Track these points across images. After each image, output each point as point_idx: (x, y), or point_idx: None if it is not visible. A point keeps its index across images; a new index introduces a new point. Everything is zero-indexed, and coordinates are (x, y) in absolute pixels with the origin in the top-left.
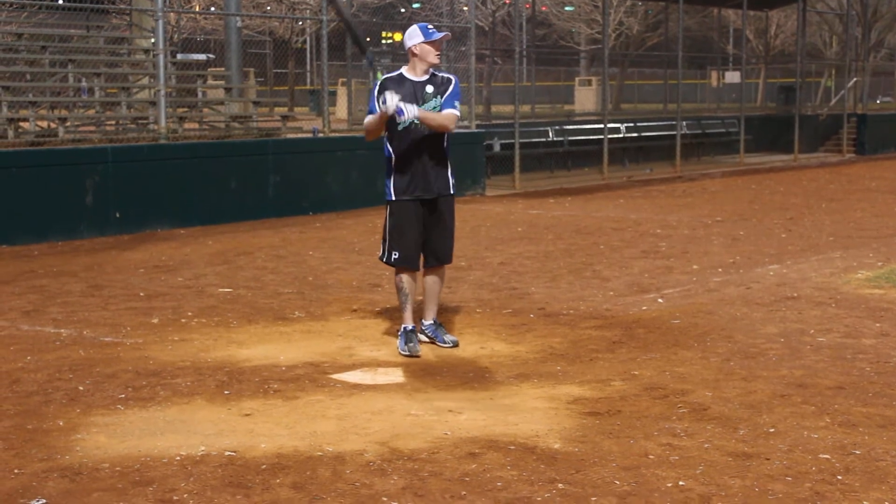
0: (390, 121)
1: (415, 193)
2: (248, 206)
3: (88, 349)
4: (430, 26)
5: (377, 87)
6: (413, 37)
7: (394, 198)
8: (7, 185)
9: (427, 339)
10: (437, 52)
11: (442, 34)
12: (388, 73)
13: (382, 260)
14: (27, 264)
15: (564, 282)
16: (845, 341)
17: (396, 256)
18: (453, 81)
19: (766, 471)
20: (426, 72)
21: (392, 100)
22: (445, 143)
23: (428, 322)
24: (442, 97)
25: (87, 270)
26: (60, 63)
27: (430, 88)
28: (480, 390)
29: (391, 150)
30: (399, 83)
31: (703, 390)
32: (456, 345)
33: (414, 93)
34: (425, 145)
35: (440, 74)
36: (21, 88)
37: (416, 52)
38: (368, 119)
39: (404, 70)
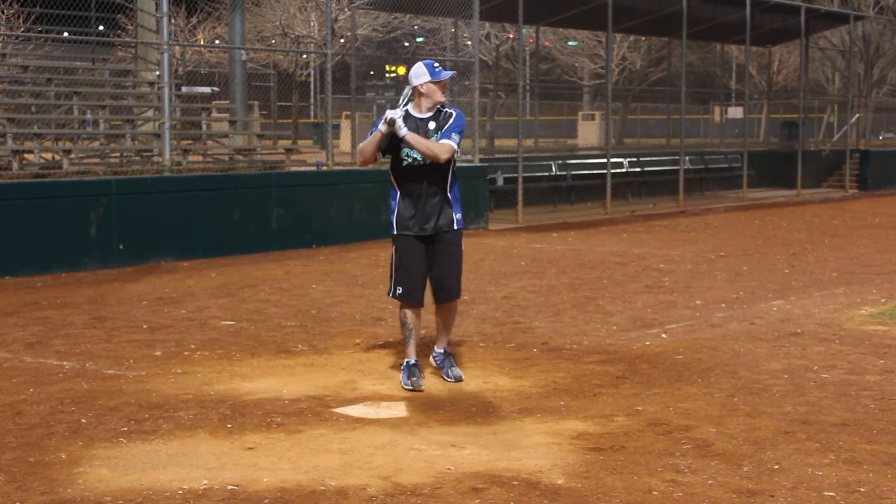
0: (394, 157)
1: (414, 229)
2: (251, 239)
3: (91, 381)
4: (436, 64)
5: (381, 119)
6: (419, 75)
7: (395, 232)
8: (11, 217)
9: (435, 366)
10: (444, 91)
11: (449, 73)
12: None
13: (388, 294)
14: (31, 296)
15: (568, 316)
16: (849, 378)
17: (399, 292)
18: (455, 115)
19: None
20: (431, 109)
21: (393, 113)
22: (449, 180)
23: (438, 350)
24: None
25: (90, 302)
26: (65, 95)
27: (432, 125)
28: (484, 425)
29: (395, 185)
30: (404, 120)
31: (707, 426)
32: (459, 380)
33: (417, 130)
34: (427, 182)
35: (445, 110)
36: (26, 120)
37: (422, 90)
38: (365, 140)
39: (410, 107)
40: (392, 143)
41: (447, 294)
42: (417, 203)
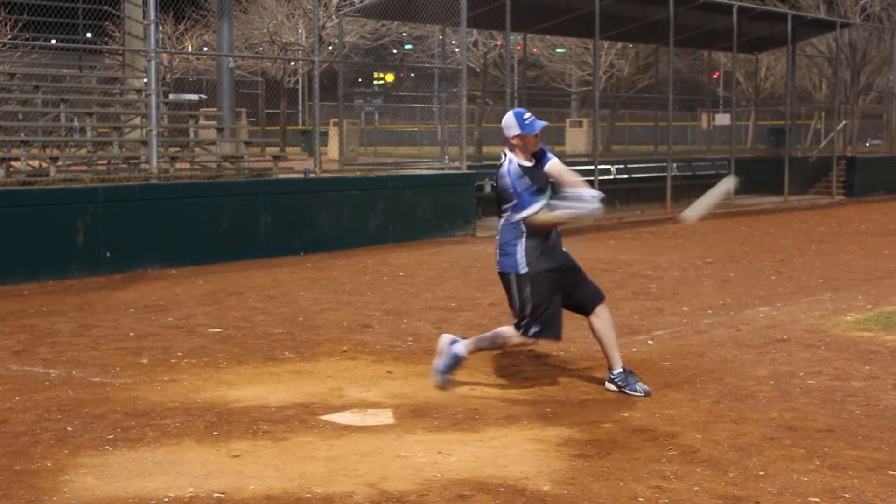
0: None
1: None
2: (239, 247)
3: (77, 389)
4: (526, 115)
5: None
6: (509, 127)
7: None
8: None
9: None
10: (538, 141)
11: (541, 123)
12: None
13: None
14: (17, 304)
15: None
16: (835, 384)
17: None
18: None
19: None
20: (532, 156)
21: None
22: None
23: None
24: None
25: (77, 310)
26: (53, 103)
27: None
28: (470, 432)
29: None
30: (530, 171)
31: (693, 432)
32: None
33: (536, 177)
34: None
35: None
36: (13, 128)
37: (514, 143)
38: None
39: (516, 158)
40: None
41: None
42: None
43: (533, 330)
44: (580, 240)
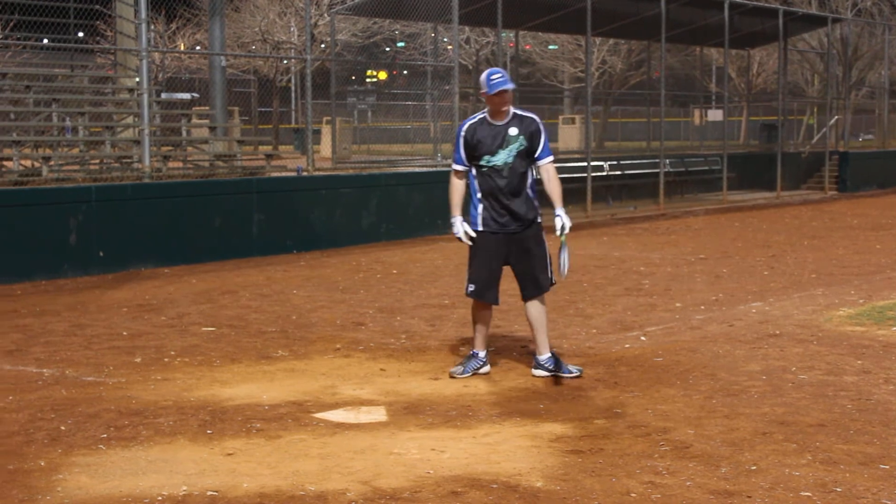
0: (474, 158)
1: (500, 226)
2: (232, 245)
3: (70, 389)
4: (495, 75)
5: (462, 132)
6: (480, 85)
7: (480, 229)
8: None
9: (547, 373)
10: (502, 101)
11: (501, 86)
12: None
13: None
14: (10, 304)
15: (548, 319)
16: (827, 379)
17: (472, 289)
18: (537, 123)
19: None
20: (505, 115)
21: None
22: (529, 180)
23: (543, 357)
24: (527, 138)
25: (70, 310)
26: (45, 102)
27: (513, 130)
28: (463, 428)
29: (476, 184)
30: (480, 126)
31: (686, 428)
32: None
33: (495, 136)
34: (508, 181)
35: (524, 115)
36: (5, 128)
37: (483, 100)
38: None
39: (487, 114)
40: (473, 154)
41: (538, 288)
42: (501, 201)
43: (469, 288)
44: (573, 237)
